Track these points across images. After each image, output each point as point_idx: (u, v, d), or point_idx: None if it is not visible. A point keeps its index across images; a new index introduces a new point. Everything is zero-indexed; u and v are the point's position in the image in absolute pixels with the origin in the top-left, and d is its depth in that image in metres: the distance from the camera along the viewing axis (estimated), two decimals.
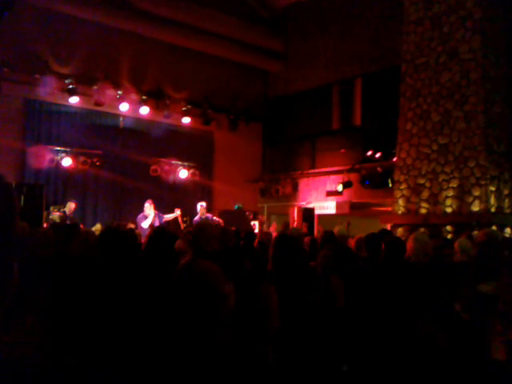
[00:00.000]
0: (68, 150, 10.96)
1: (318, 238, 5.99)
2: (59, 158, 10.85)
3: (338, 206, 12.40)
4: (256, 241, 5.82)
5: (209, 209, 12.06)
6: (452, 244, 4.52)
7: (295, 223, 11.97)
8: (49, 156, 10.70)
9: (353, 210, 12.34)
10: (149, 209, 9.44)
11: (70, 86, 10.71)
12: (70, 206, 9.58)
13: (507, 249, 3.83)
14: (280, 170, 14.07)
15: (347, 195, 12.09)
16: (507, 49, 9.02)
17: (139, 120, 12.20)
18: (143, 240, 4.87)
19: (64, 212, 9.43)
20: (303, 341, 2.30)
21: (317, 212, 12.56)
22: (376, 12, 11.96)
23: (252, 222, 12.27)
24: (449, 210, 8.84)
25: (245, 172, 14.00)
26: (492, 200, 8.47)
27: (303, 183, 13.62)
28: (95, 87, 11.08)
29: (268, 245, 4.41)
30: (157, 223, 9.40)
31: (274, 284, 2.26)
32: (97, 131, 11.58)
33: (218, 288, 2.38)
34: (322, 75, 13.29)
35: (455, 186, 8.78)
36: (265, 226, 12.43)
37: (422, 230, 8.56)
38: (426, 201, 9.23)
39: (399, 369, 1.63)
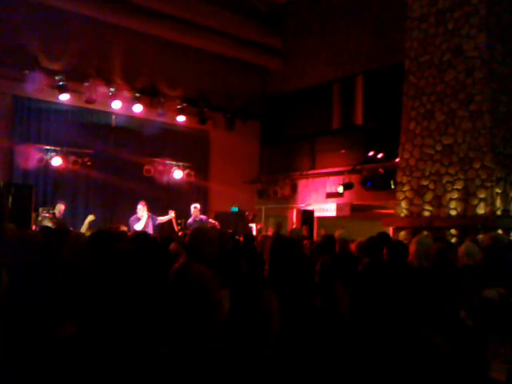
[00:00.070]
0: (58, 149, 10.94)
1: (318, 241, 5.99)
2: (49, 157, 10.83)
3: (339, 208, 12.41)
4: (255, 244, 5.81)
5: (204, 211, 12.07)
6: (456, 248, 4.52)
7: (294, 226, 11.98)
8: (38, 155, 10.68)
9: (354, 213, 12.35)
10: (142, 211, 9.45)
11: (61, 83, 10.70)
12: (60, 208, 9.57)
13: None
14: (278, 171, 14.08)
15: (348, 197, 12.10)
16: None
17: (132, 118, 12.19)
18: None
19: (53, 213, 9.42)
20: (301, 348, 2.30)
21: (316, 214, 12.57)
22: (379, 7, 11.99)
23: (250, 225, 12.28)
24: (453, 212, 8.86)
25: (242, 172, 14.00)
26: (498, 202, 8.49)
27: (302, 184, 13.63)
28: (87, 84, 11.08)
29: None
30: (150, 225, 9.42)
31: (271, 290, 2.26)
32: (88, 130, 11.57)
33: (211, 293, 2.38)
34: (322, 72, 13.31)
35: (460, 187, 8.80)
36: (262, 231, 12.42)
37: (426, 233, 8.58)
38: (430, 203, 9.24)
39: (402, 377, 1.64)
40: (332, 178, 12.72)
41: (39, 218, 9.23)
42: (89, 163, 11.13)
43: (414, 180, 9.52)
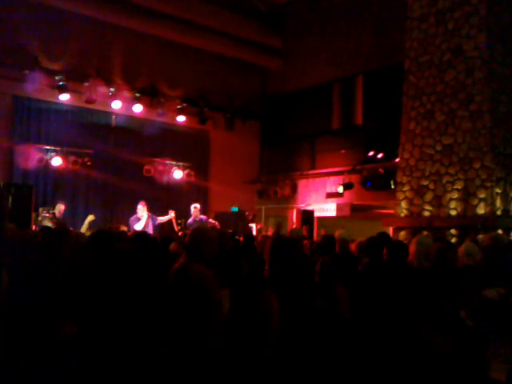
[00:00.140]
0: (58, 149, 10.94)
1: (318, 241, 5.98)
2: (49, 157, 10.83)
3: (339, 208, 12.41)
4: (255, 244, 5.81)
5: (204, 211, 12.08)
6: (456, 248, 4.52)
7: (294, 226, 11.98)
8: (38, 155, 10.68)
9: (354, 213, 12.35)
10: (142, 211, 9.45)
11: (61, 83, 10.70)
12: (60, 208, 9.57)
13: None
14: (278, 171, 14.08)
15: (348, 197, 12.10)
16: None
17: (132, 118, 12.19)
18: None
19: (53, 213, 9.42)
20: (301, 348, 2.30)
21: (316, 214, 12.57)
22: (379, 7, 12.00)
23: (250, 225, 12.28)
24: (453, 212, 8.86)
25: (242, 173, 14.01)
26: (498, 202, 8.49)
27: (302, 184, 13.63)
28: (87, 84, 11.08)
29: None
30: (150, 225, 9.42)
31: (271, 290, 2.26)
32: (88, 130, 11.57)
33: (211, 293, 2.38)
34: (322, 72, 13.32)
35: (460, 187, 8.81)
36: (262, 231, 12.42)
37: (426, 233, 8.58)
38: (430, 203, 9.24)
39: (402, 376, 1.64)
40: (332, 178, 12.72)
41: (39, 218, 9.23)
42: (89, 163, 11.13)
43: (414, 180, 9.52)
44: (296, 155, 14.22)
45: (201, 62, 12.91)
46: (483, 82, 8.61)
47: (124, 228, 8.39)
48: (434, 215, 9.12)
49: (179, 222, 10.69)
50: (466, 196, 8.71)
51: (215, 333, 2.23)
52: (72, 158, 10.98)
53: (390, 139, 10.56)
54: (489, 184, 8.46)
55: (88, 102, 11.14)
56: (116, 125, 12.17)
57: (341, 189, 11.86)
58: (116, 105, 11.56)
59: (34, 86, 10.33)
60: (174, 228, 10.22)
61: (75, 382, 2.25)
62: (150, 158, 12.34)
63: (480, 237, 6.26)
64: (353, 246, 5.24)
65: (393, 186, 10.46)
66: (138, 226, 9.17)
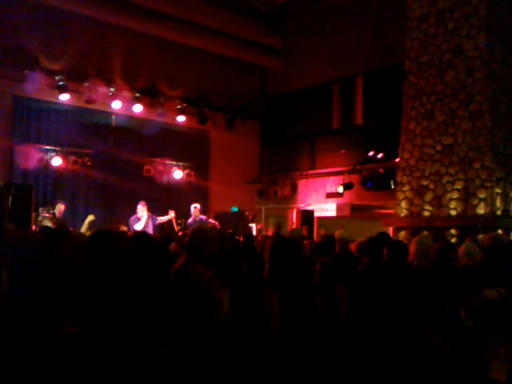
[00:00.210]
0: (58, 149, 10.94)
1: (317, 241, 5.99)
2: (49, 157, 10.83)
3: (339, 208, 12.41)
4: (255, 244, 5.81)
5: (204, 211, 12.08)
6: (456, 248, 4.52)
7: (294, 226, 11.98)
8: (38, 155, 10.67)
9: (354, 213, 12.35)
10: (142, 211, 9.45)
11: (61, 83, 10.70)
12: (60, 208, 9.57)
13: None
14: (278, 171, 14.08)
15: (348, 197, 12.11)
16: None
17: (132, 118, 12.19)
18: None
19: (53, 214, 9.42)
20: (301, 347, 2.30)
21: (316, 214, 12.58)
22: (378, 7, 12.00)
23: (250, 225, 12.29)
24: (453, 212, 8.86)
25: (242, 173, 14.01)
26: (498, 202, 8.50)
27: (302, 184, 13.63)
28: (87, 84, 11.08)
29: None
30: (150, 226, 9.42)
31: (271, 290, 2.26)
32: (88, 130, 11.57)
33: (211, 293, 2.39)
34: (322, 72, 13.32)
35: (460, 187, 8.81)
36: (262, 231, 12.43)
37: (426, 233, 8.58)
38: (430, 203, 9.25)
39: (402, 376, 1.64)
40: (332, 178, 12.72)
41: (39, 218, 9.24)
42: (89, 163, 11.13)
43: (414, 180, 9.52)
44: (296, 155, 14.23)
45: (201, 62, 12.91)
46: (483, 82, 8.61)
47: (124, 228, 8.40)
48: (434, 215, 9.12)
49: (179, 222, 10.69)
50: (466, 196, 8.71)
51: (215, 333, 2.23)
52: (72, 158, 10.98)
53: (390, 139, 10.57)
54: (489, 184, 8.47)
55: (88, 101, 11.14)
56: (116, 125, 12.17)
57: (341, 189, 11.86)
58: (116, 105, 11.56)
59: (34, 86, 10.33)
60: (174, 228, 10.22)
61: (75, 382, 2.25)
62: (150, 158, 12.34)
63: (480, 237, 6.26)
64: (353, 246, 5.24)
65: (393, 186, 10.47)
66: (138, 226, 9.18)
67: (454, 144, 8.93)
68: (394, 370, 1.66)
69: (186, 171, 12.80)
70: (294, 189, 13.61)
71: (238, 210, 12.62)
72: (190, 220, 10.11)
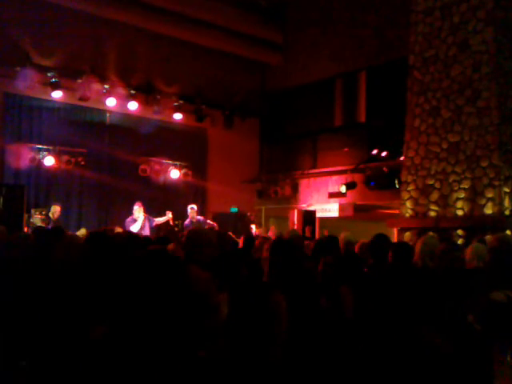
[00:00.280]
0: (50, 148, 10.95)
1: (317, 241, 6.00)
2: (41, 156, 10.84)
3: (341, 208, 12.42)
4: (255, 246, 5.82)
5: (202, 211, 12.09)
6: (461, 249, 4.53)
7: (295, 226, 12.00)
8: (30, 155, 10.68)
9: (357, 213, 12.36)
10: (138, 212, 9.47)
11: (53, 80, 10.71)
12: (55, 209, 9.58)
13: None
14: (279, 170, 14.09)
15: (351, 197, 12.12)
16: None
17: (127, 116, 12.20)
18: None
19: (46, 215, 9.43)
20: (306, 348, 2.32)
21: (318, 215, 12.59)
22: (382, 0, 12.00)
23: (251, 226, 12.30)
24: (460, 212, 8.87)
25: (241, 172, 14.01)
26: (506, 202, 8.50)
27: (304, 184, 13.64)
28: (80, 81, 11.09)
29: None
30: (147, 227, 9.43)
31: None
32: (82, 128, 11.58)
33: (209, 298, 2.39)
34: (324, 68, 13.33)
35: (467, 187, 8.82)
36: (262, 232, 12.43)
37: (431, 233, 8.58)
38: (436, 203, 9.25)
39: (402, 376, 1.66)
40: (334, 178, 12.73)
41: (31, 220, 9.25)
42: (82, 163, 11.13)
43: (420, 179, 9.53)
44: (297, 154, 14.24)
45: (198, 58, 12.92)
46: (490, 78, 8.62)
47: (119, 229, 8.41)
48: (440, 215, 9.13)
49: (176, 223, 10.71)
50: (473, 195, 8.72)
51: (212, 339, 2.23)
52: (65, 158, 10.98)
53: (395, 137, 10.58)
54: (497, 183, 8.47)
55: (81, 99, 11.15)
56: (110, 123, 12.18)
57: (343, 188, 11.87)
58: (110, 102, 11.56)
59: (26, 83, 10.34)
60: (173, 228, 10.25)
61: None
62: (145, 157, 12.35)
63: (488, 237, 6.27)
64: (355, 247, 5.26)
65: (397, 186, 10.48)
66: (135, 228, 9.18)
67: (461, 142, 8.94)
68: (394, 370, 1.67)
69: (183, 171, 12.81)
70: (295, 188, 13.61)
71: (238, 210, 12.63)
72: (186, 221, 10.12)
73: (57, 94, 10.89)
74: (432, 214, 9.29)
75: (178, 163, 12.84)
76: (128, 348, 2.12)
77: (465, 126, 8.92)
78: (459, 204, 8.90)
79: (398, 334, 1.82)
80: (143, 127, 12.27)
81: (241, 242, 6.39)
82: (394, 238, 9.85)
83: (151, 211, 10.35)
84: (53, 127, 11.16)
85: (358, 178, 11.76)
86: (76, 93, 11.13)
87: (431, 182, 9.35)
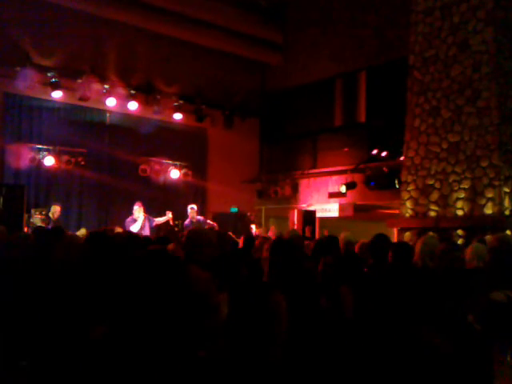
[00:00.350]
0: (50, 148, 10.95)
1: (317, 241, 6.00)
2: (41, 156, 10.84)
3: (341, 208, 12.43)
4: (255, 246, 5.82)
5: (202, 211, 12.09)
6: (461, 249, 4.53)
7: (295, 227, 12.00)
8: (30, 155, 10.69)
9: (357, 213, 12.36)
10: (138, 212, 9.47)
11: (53, 80, 10.71)
12: (56, 209, 9.58)
13: None
14: (279, 170, 14.09)
15: (351, 197, 12.12)
16: None
17: (127, 116, 12.20)
18: None
19: (46, 215, 9.43)
20: (306, 348, 2.32)
21: (318, 215, 12.59)
22: (382, 0, 12.01)
23: (251, 226, 12.31)
24: (460, 212, 8.87)
25: (241, 172, 14.02)
26: (506, 202, 8.51)
27: (304, 184, 13.64)
28: (80, 81, 11.09)
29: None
30: (147, 227, 9.43)
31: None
32: (82, 128, 11.59)
33: (209, 298, 2.39)
34: (324, 68, 13.33)
35: (467, 187, 8.82)
36: (262, 232, 12.44)
37: (431, 233, 8.58)
38: (436, 203, 9.26)
39: (402, 376, 1.66)
40: (334, 178, 12.74)
41: (31, 220, 9.25)
42: (82, 163, 11.13)
43: (420, 179, 9.53)
44: (297, 154, 14.24)
45: (198, 58, 12.92)
46: (490, 78, 8.62)
47: (119, 229, 8.41)
48: (440, 215, 9.13)
49: (176, 223, 10.71)
50: (474, 195, 8.72)
51: (212, 339, 2.23)
52: (65, 158, 10.98)
53: (395, 137, 10.59)
54: (497, 183, 8.48)
55: (81, 99, 11.15)
56: (110, 123, 12.18)
57: (343, 188, 11.88)
58: (110, 102, 11.56)
59: (26, 83, 10.34)
60: (173, 228, 10.25)
61: None
62: (145, 157, 12.35)
63: (488, 237, 6.27)
64: (356, 248, 5.26)
65: (397, 186, 10.48)
66: (135, 228, 9.18)
67: (461, 142, 8.94)
68: (394, 370, 1.68)
69: (183, 171, 12.81)
70: (295, 188, 13.61)
71: (238, 210, 12.63)
72: (186, 221, 10.12)
73: (57, 94, 10.90)
74: (432, 213, 9.30)
75: (177, 163, 12.84)
76: (128, 348, 2.12)
77: (465, 125, 8.92)
78: (459, 204, 8.90)
79: (398, 333, 1.82)
80: (143, 127, 12.27)
81: (241, 242, 6.39)
82: (394, 238, 9.86)
83: (151, 211, 10.35)
84: (53, 127, 11.16)
85: (357, 177, 11.76)
86: (76, 93, 11.13)
87: (431, 182, 9.35)
